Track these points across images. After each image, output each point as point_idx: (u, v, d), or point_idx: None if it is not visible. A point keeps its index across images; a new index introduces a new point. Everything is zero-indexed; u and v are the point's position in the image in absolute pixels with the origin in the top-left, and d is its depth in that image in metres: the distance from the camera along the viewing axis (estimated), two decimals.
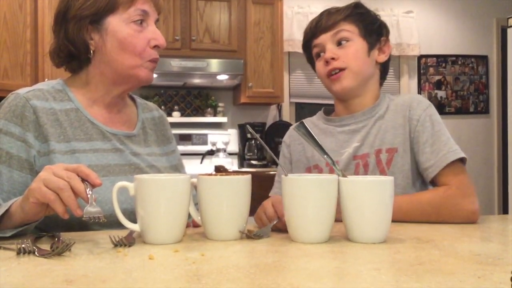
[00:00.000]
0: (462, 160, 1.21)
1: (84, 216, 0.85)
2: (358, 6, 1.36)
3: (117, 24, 1.14)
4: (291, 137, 1.44)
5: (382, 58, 1.37)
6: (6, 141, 1.08)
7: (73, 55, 1.18)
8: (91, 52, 1.16)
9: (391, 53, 1.40)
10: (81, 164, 0.91)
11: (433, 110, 1.29)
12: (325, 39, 1.32)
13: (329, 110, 1.45)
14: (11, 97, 1.13)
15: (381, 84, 1.41)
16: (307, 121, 1.43)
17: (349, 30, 1.31)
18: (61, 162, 1.10)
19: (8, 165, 1.08)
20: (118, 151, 1.19)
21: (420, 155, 1.24)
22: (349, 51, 1.30)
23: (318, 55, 1.35)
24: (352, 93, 1.33)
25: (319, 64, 1.35)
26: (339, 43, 1.31)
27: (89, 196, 0.87)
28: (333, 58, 1.30)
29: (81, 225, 1.05)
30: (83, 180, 0.88)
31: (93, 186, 0.89)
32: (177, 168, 1.34)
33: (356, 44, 1.31)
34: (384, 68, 1.40)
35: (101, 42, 1.16)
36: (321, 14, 1.35)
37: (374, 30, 1.35)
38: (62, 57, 1.20)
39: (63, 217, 0.86)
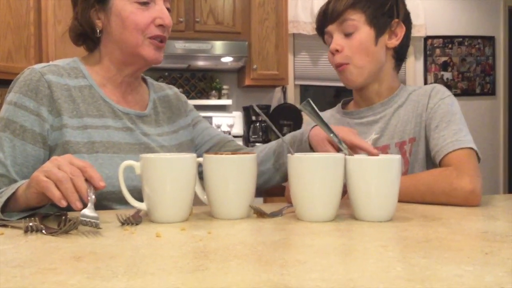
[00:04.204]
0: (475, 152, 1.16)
1: (80, 217, 0.81)
2: None
3: (121, 3, 1.15)
4: None
5: (393, 43, 1.30)
6: (20, 115, 1.09)
7: (84, 34, 1.20)
8: (98, 32, 1.18)
9: (408, 35, 1.32)
10: (88, 164, 0.88)
11: (451, 100, 1.26)
12: (332, 29, 1.29)
13: (346, 102, 1.44)
14: (26, 72, 1.14)
15: (398, 69, 1.36)
16: (326, 113, 1.44)
17: (354, 18, 1.26)
18: (73, 136, 1.11)
19: (21, 138, 1.09)
20: (128, 130, 1.19)
21: (430, 140, 1.23)
22: (353, 43, 1.26)
23: (330, 43, 1.32)
24: (361, 85, 1.31)
25: (329, 54, 1.31)
26: (345, 32, 1.27)
27: (89, 198, 0.84)
28: (337, 50, 1.27)
29: None
30: (86, 180, 0.86)
31: (96, 188, 0.86)
32: (192, 142, 1.34)
33: (361, 34, 1.26)
34: (398, 53, 1.33)
35: (106, 22, 1.17)
36: (328, 1, 1.31)
37: (384, 13, 1.28)
38: (75, 37, 1.22)
39: (60, 204, 0.83)
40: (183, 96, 1.41)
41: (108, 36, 1.18)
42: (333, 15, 1.27)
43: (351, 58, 1.26)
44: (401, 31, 1.30)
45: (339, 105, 1.44)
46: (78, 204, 0.83)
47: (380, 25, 1.28)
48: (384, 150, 1.28)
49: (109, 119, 1.18)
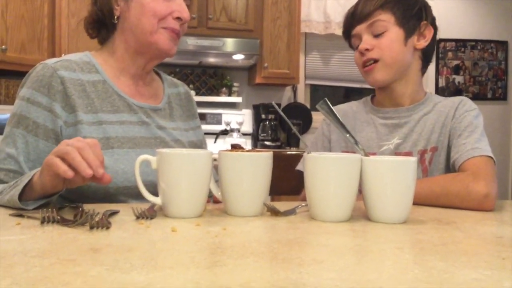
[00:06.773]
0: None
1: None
2: None
3: None
4: None
5: (422, 44, 1.33)
6: (33, 111, 1.10)
7: (100, 21, 1.21)
8: (115, 18, 1.19)
9: (434, 38, 1.35)
10: (96, 142, 0.89)
11: (477, 113, 1.29)
12: (361, 29, 1.31)
13: (372, 97, 1.44)
14: (39, 67, 1.14)
15: (423, 71, 1.38)
16: (352, 104, 1.44)
17: (384, 19, 1.28)
18: (89, 132, 1.11)
19: (34, 134, 1.09)
20: (144, 124, 1.20)
21: (452, 148, 1.25)
22: (384, 41, 1.28)
23: (357, 45, 1.34)
24: (387, 83, 1.32)
25: (356, 55, 1.34)
26: (375, 33, 1.29)
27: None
28: (367, 49, 1.28)
29: (106, 196, 1.06)
30: None
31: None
32: (201, 144, 1.35)
33: (391, 34, 1.28)
34: (425, 55, 1.36)
35: (125, 8, 1.18)
36: (357, 1, 1.33)
37: (413, 15, 1.31)
38: (91, 23, 1.23)
39: (66, 176, 0.84)
40: (193, 97, 1.42)
41: (125, 22, 1.19)
42: (362, 15, 1.29)
43: (381, 56, 1.28)
44: (429, 33, 1.34)
45: (368, 99, 1.43)
46: (88, 171, 0.83)
47: (409, 26, 1.30)
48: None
49: (124, 113, 1.18)
